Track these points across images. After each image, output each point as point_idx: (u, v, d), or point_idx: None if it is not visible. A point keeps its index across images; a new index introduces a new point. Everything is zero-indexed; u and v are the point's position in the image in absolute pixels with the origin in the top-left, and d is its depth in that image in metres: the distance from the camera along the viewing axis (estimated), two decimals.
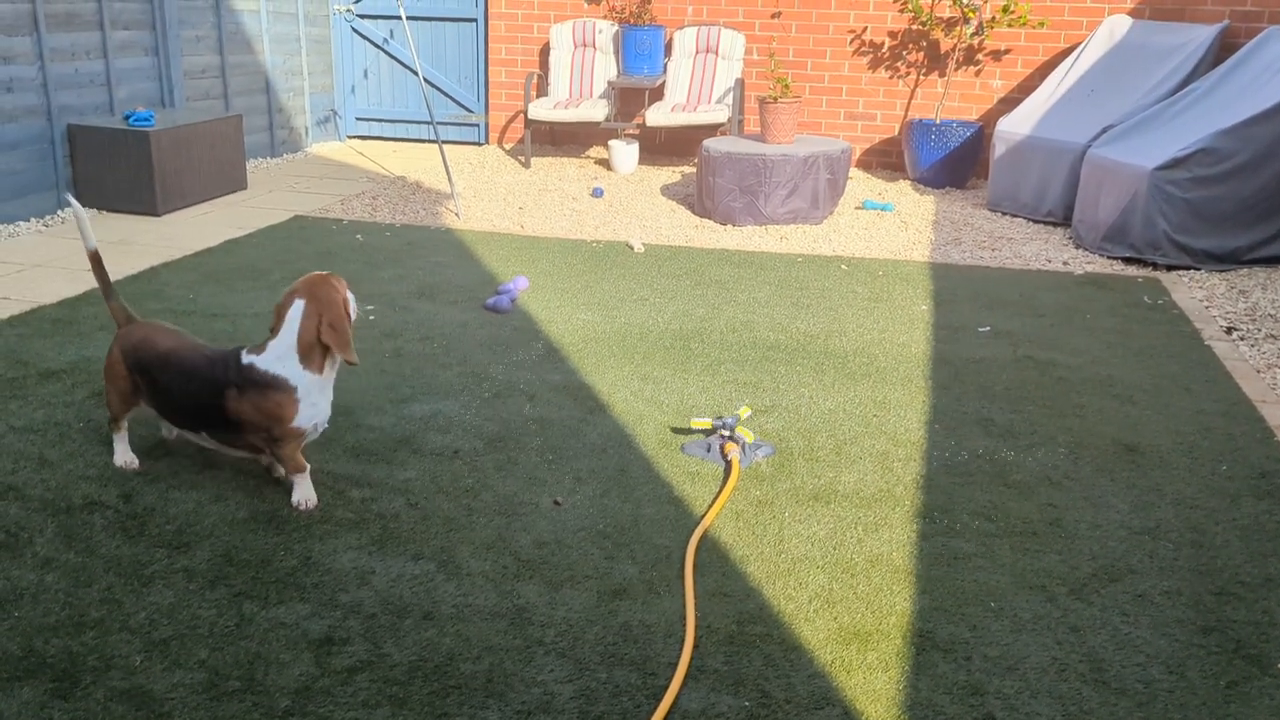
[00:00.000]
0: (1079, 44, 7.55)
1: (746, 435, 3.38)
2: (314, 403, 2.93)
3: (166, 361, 3.00)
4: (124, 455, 3.18)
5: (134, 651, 2.34)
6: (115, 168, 6.29)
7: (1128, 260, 5.86)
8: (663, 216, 6.76)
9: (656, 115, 7.87)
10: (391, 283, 5.17)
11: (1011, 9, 7.58)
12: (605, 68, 8.56)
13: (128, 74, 6.78)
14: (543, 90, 8.79)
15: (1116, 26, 7.27)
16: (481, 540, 2.84)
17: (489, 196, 7.23)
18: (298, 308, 2.88)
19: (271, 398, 2.87)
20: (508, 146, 9.20)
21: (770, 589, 2.65)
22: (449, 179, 6.95)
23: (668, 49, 8.44)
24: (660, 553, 2.80)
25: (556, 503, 3.05)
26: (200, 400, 2.94)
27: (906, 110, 8.28)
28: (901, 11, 8.05)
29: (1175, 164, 5.55)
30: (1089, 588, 2.69)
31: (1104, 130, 6.43)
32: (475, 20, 9.00)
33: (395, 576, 2.66)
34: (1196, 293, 5.33)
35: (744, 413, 3.48)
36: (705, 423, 3.43)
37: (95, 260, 3.19)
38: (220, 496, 3.03)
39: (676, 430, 3.55)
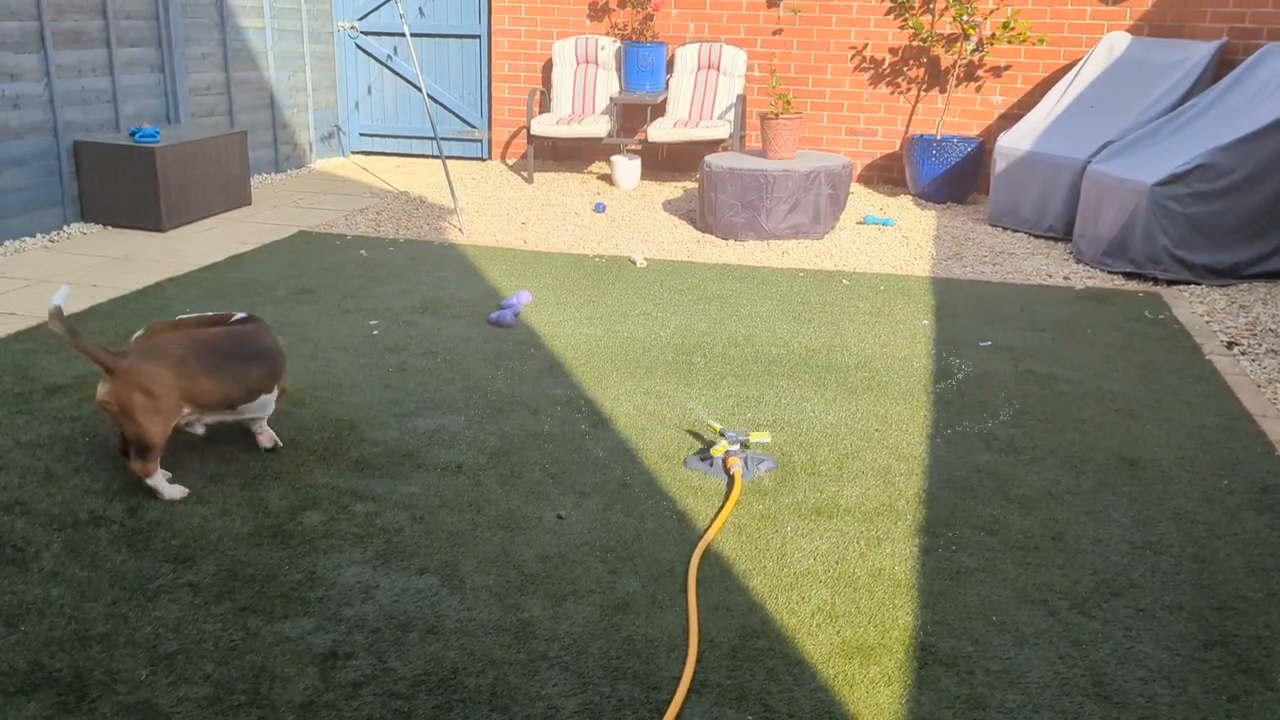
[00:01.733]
0: (1079, 60, 7.59)
1: (763, 435, 3.43)
2: None
3: (234, 341, 3.20)
4: (174, 488, 3.11)
5: (140, 666, 2.35)
6: (121, 183, 6.32)
7: (1128, 275, 5.88)
8: (665, 231, 6.79)
9: (658, 131, 7.91)
10: (395, 297, 5.20)
11: (1012, 26, 7.63)
12: (608, 84, 8.61)
13: (133, 90, 6.82)
14: (545, 106, 8.84)
15: (1116, 43, 7.31)
16: (485, 554, 2.85)
17: (492, 211, 7.26)
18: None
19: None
20: (510, 162, 9.25)
21: (773, 603, 2.66)
22: (452, 194, 6.98)
23: (670, 65, 8.49)
24: (663, 567, 2.81)
25: (560, 517, 3.07)
26: (264, 366, 3.23)
27: (907, 126, 8.32)
28: (902, 28, 8.10)
29: (1175, 179, 5.58)
30: (1091, 602, 2.69)
31: (1104, 146, 6.46)
32: (478, 37, 9.06)
33: (399, 591, 2.67)
34: (1197, 307, 5.35)
35: (755, 437, 3.50)
36: (715, 427, 3.46)
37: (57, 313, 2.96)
38: (225, 511, 3.04)
39: (692, 433, 3.56)
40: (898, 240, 6.68)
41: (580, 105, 8.63)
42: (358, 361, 4.28)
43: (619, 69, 8.56)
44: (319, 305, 5.04)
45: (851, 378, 4.25)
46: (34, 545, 2.82)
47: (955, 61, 7.95)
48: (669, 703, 2.27)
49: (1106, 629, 2.58)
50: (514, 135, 9.20)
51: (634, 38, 8.50)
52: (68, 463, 3.29)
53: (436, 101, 9.22)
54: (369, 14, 9.14)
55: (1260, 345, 4.75)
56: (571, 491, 3.23)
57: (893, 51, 8.21)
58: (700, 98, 8.31)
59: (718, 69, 8.30)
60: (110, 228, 6.41)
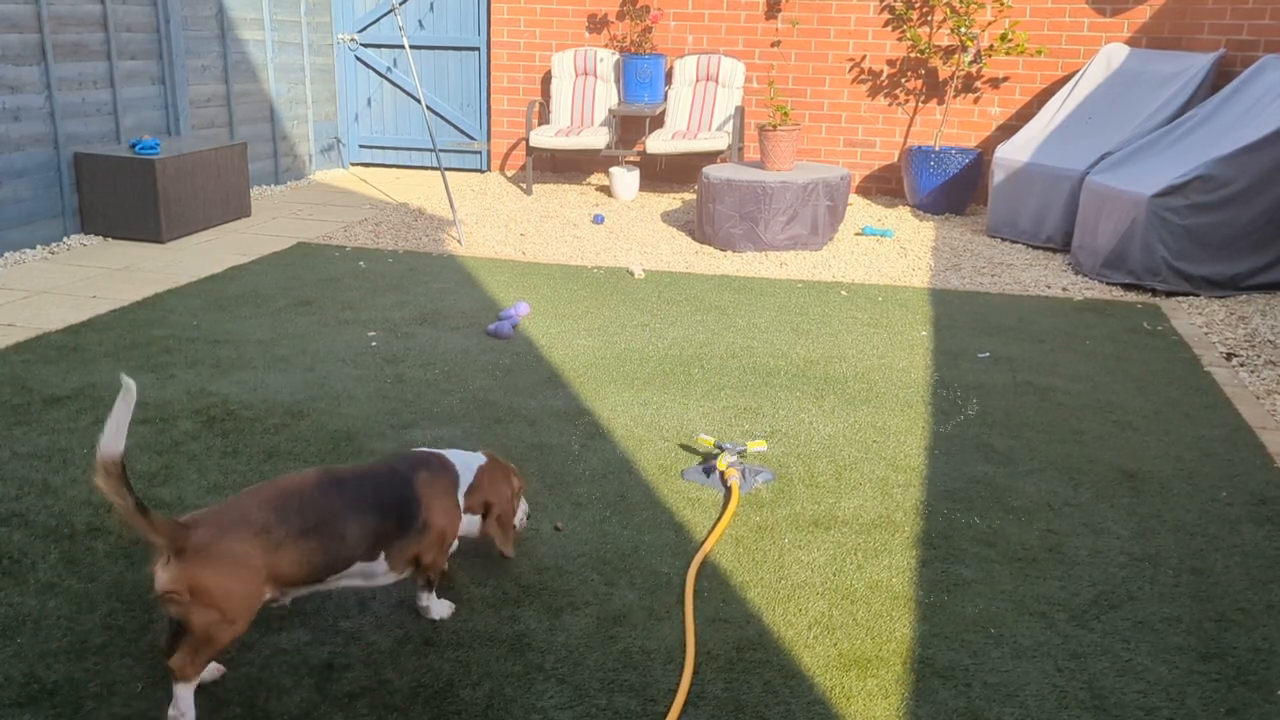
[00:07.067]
0: (1077, 72, 7.61)
1: (760, 445, 3.42)
2: None
3: (346, 480, 2.37)
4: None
5: (136, 678, 2.34)
6: (121, 195, 6.33)
7: (1127, 286, 5.89)
8: (663, 243, 6.79)
9: (657, 143, 7.92)
10: (394, 309, 5.20)
11: (1009, 37, 7.66)
12: (606, 95, 8.63)
13: (134, 103, 6.84)
14: (544, 118, 8.86)
15: (1114, 55, 7.33)
16: (482, 566, 2.85)
17: (491, 223, 7.27)
18: None
19: None
20: (509, 173, 9.27)
21: (770, 615, 2.66)
22: (451, 206, 6.99)
23: (668, 77, 8.52)
24: (660, 579, 2.81)
25: (557, 528, 3.06)
26: (366, 525, 2.35)
27: (906, 137, 8.34)
28: (900, 40, 8.12)
29: (1173, 191, 5.59)
30: (1089, 614, 2.69)
31: (1102, 157, 6.47)
32: (478, 49, 9.08)
33: (395, 603, 2.66)
34: (1196, 319, 5.35)
35: (752, 446, 3.49)
36: (709, 441, 3.45)
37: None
38: None
39: (684, 447, 3.56)
40: (896, 251, 6.68)
41: (579, 117, 8.65)
42: (356, 373, 4.28)
43: (618, 81, 8.59)
44: (317, 316, 5.04)
45: (849, 389, 4.25)
46: (30, 557, 2.82)
47: (953, 73, 7.97)
48: (665, 715, 2.26)
49: (1105, 641, 2.57)
50: (513, 147, 9.22)
51: (633, 50, 8.52)
52: (65, 474, 3.29)
53: (436, 113, 9.24)
54: (368, 26, 9.17)
55: (1259, 357, 4.75)
56: (568, 503, 3.22)
57: (891, 63, 8.24)
58: (699, 109, 8.33)
59: (716, 80, 8.32)
60: (110, 239, 6.42)
